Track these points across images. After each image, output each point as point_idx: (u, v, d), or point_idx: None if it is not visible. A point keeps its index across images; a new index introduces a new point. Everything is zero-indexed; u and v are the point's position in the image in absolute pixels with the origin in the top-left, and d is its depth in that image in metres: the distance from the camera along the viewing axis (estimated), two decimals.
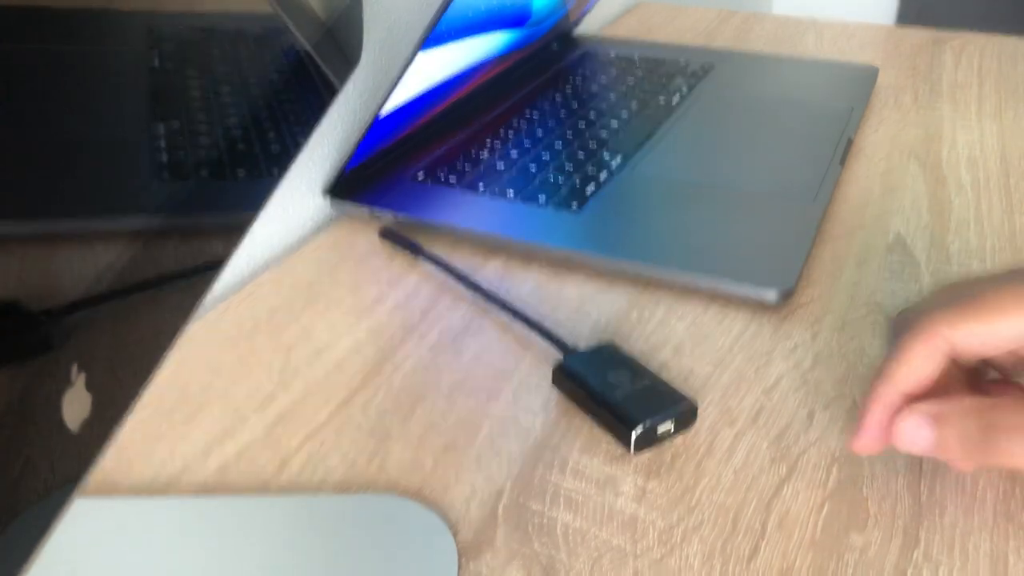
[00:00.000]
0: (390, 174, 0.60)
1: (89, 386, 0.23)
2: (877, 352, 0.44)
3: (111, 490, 0.37)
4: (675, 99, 0.71)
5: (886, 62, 0.84)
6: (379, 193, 0.57)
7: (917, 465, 0.37)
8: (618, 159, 0.61)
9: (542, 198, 0.56)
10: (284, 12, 0.34)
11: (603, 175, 0.59)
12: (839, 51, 0.88)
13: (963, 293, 0.34)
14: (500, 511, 0.36)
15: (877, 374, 0.35)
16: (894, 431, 0.33)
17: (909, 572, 0.33)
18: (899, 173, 0.62)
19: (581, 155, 0.62)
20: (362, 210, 0.57)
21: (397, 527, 0.35)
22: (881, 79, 0.79)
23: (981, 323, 0.32)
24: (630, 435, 0.38)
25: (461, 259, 0.53)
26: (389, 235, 0.55)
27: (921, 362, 0.33)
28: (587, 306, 0.49)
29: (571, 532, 0.35)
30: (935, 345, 0.33)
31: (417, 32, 0.68)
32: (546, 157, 0.61)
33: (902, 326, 0.36)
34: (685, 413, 0.39)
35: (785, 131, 0.65)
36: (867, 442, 0.34)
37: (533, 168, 0.60)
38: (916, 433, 0.33)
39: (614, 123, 0.67)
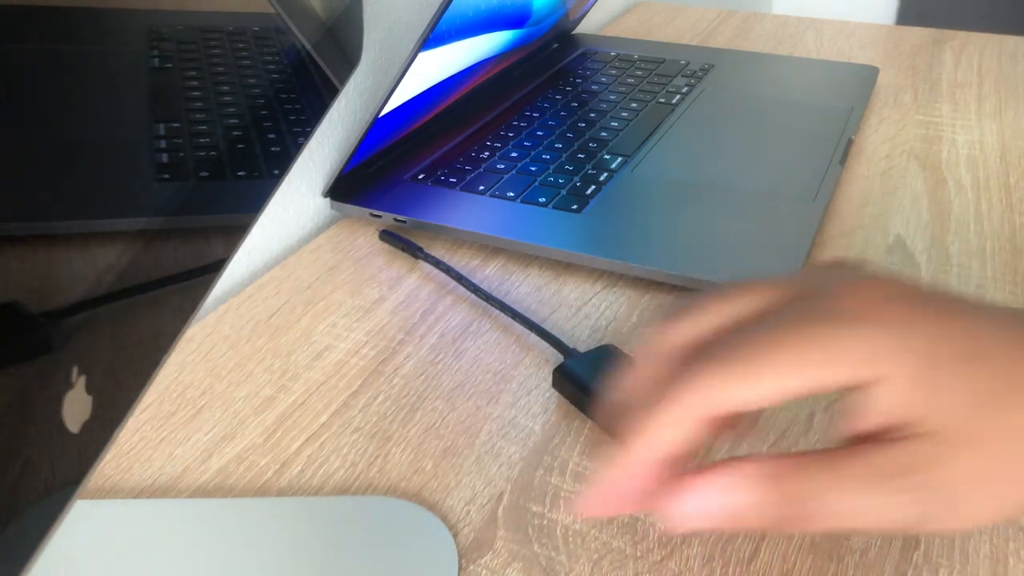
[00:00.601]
0: (390, 175, 0.60)
1: (90, 388, 0.22)
2: None
3: (111, 492, 0.37)
4: (675, 99, 0.71)
5: (886, 62, 0.84)
6: (379, 194, 0.57)
7: None
8: (618, 159, 0.61)
9: (542, 199, 0.56)
10: (284, 12, 0.34)
11: (603, 176, 0.59)
12: (839, 51, 0.87)
13: (727, 341, 0.26)
14: (500, 513, 0.36)
15: (623, 443, 0.26)
16: (667, 509, 0.26)
17: (909, 574, 0.33)
18: (899, 173, 0.62)
19: (581, 156, 0.62)
20: (362, 211, 0.56)
21: (397, 529, 0.35)
22: (881, 79, 0.79)
23: (747, 384, 0.25)
24: None
25: (461, 260, 0.53)
26: (389, 236, 0.55)
27: (675, 431, 0.25)
28: (587, 308, 0.48)
29: (571, 534, 0.35)
30: (692, 412, 0.25)
31: (417, 32, 0.68)
32: (546, 157, 0.61)
33: (650, 360, 0.28)
34: None
35: (785, 131, 0.65)
36: (594, 506, 0.27)
37: (533, 169, 0.60)
38: (701, 504, 0.25)
39: (614, 123, 0.67)
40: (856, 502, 0.24)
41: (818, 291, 0.26)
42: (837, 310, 0.25)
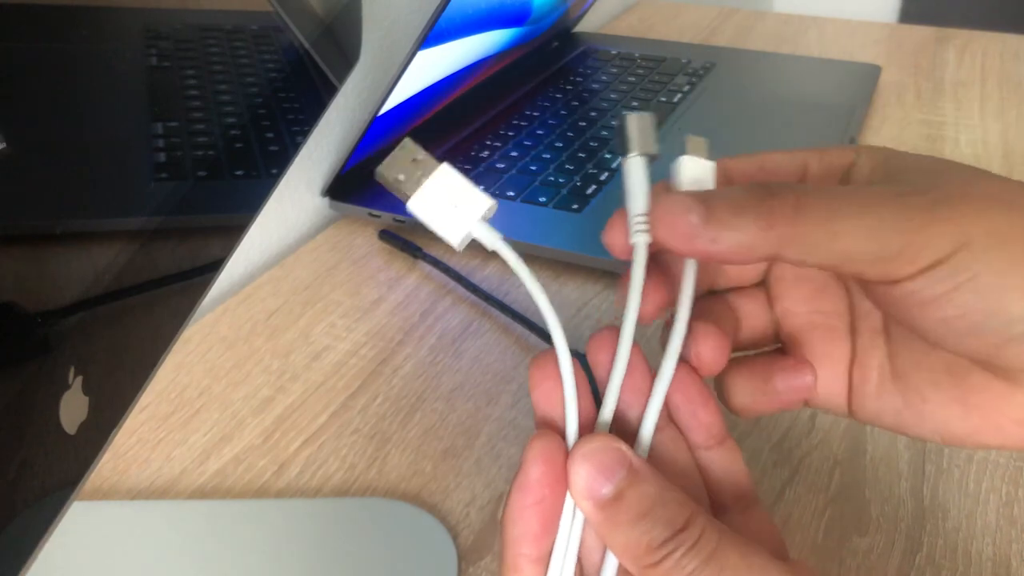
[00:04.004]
0: None
1: (86, 389, 0.22)
2: None
3: (109, 494, 0.37)
4: (676, 97, 0.71)
5: (888, 60, 0.84)
6: (378, 194, 0.57)
7: (920, 469, 0.37)
8: (619, 159, 0.61)
9: (543, 199, 0.55)
10: (283, 10, 0.34)
11: (604, 175, 0.58)
12: (841, 49, 0.87)
13: None
14: (500, 515, 0.36)
15: None
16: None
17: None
18: None
19: (582, 155, 0.61)
20: (361, 211, 0.56)
21: (397, 531, 0.34)
22: (884, 77, 0.79)
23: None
24: None
25: (461, 260, 0.53)
26: (388, 236, 0.54)
27: None
28: (588, 308, 0.48)
29: None
30: None
31: (416, 30, 0.67)
32: (547, 156, 0.61)
33: None
34: None
35: (787, 130, 0.65)
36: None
37: (533, 168, 0.59)
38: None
39: (615, 122, 0.67)
40: None
41: None
42: None
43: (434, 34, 0.55)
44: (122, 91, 0.25)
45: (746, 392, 0.27)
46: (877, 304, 0.25)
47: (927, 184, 0.23)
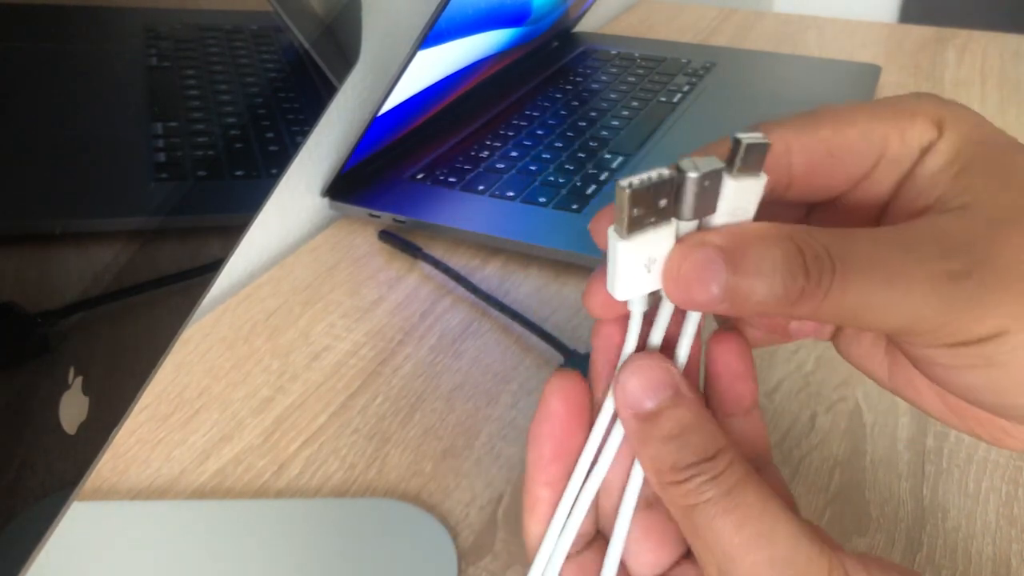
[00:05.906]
0: (389, 174, 0.59)
1: (86, 389, 0.22)
2: None
3: (108, 494, 0.37)
4: (676, 97, 0.71)
5: (888, 60, 0.84)
6: (378, 194, 0.57)
7: (920, 469, 0.37)
8: (619, 159, 0.61)
9: (542, 199, 0.55)
10: (283, 10, 0.34)
11: (604, 175, 0.58)
12: (841, 49, 0.87)
13: None
14: (500, 515, 0.36)
15: None
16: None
17: None
18: None
19: (582, 155, 0.61)
20: (361, 211, 0.56)
21: (396, 531, 0.34)
22: (883, 77, 0.79)
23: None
24: None
25: (460, 260, 0.53)
26: (388, 236, 0.54)
27: None
28: None
29: None
30: None
31: (416, 30, 0.67)
32: (546, 157, 0.61)
33: None
34: None
35: None
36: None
37: (533, 168, 0.59)
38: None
39: (615, 122, 0.67)
40: None
41: None
42: None
43: (434, 34, 0.55)
44: (122, 91, 0.25)
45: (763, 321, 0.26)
46: (892, 342, 0.24)
47: (980, 250, 0.21)
